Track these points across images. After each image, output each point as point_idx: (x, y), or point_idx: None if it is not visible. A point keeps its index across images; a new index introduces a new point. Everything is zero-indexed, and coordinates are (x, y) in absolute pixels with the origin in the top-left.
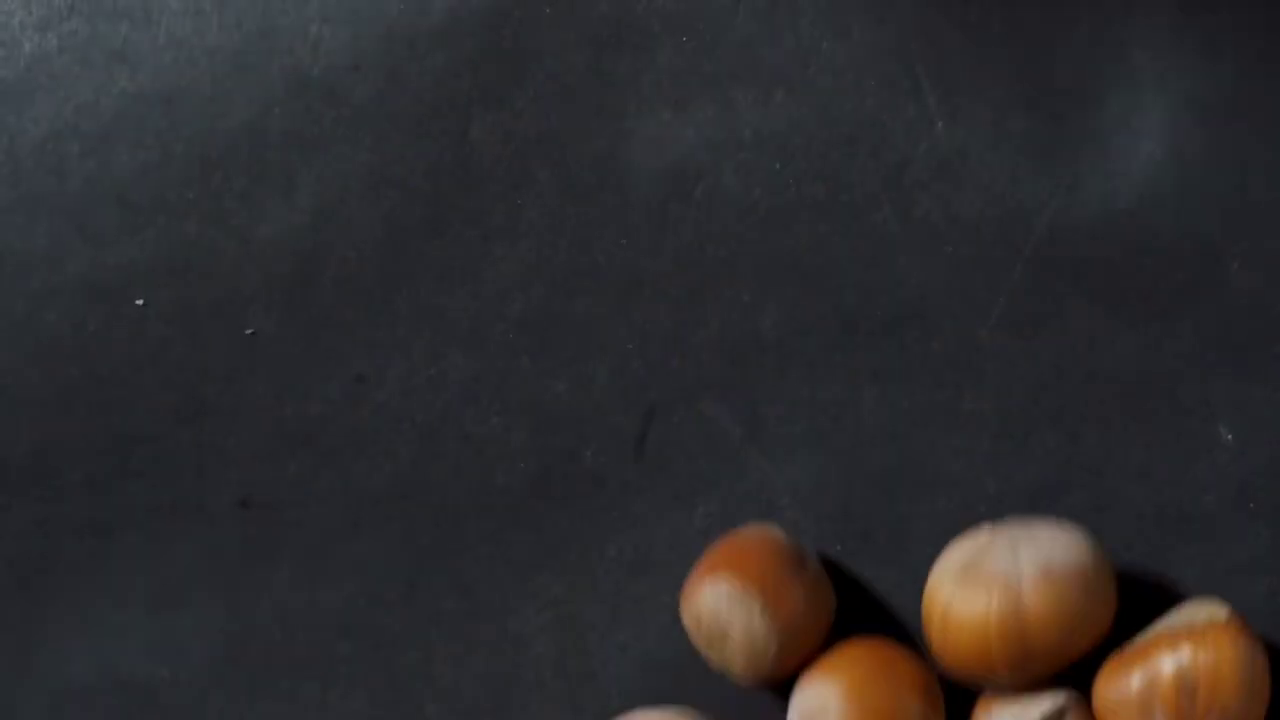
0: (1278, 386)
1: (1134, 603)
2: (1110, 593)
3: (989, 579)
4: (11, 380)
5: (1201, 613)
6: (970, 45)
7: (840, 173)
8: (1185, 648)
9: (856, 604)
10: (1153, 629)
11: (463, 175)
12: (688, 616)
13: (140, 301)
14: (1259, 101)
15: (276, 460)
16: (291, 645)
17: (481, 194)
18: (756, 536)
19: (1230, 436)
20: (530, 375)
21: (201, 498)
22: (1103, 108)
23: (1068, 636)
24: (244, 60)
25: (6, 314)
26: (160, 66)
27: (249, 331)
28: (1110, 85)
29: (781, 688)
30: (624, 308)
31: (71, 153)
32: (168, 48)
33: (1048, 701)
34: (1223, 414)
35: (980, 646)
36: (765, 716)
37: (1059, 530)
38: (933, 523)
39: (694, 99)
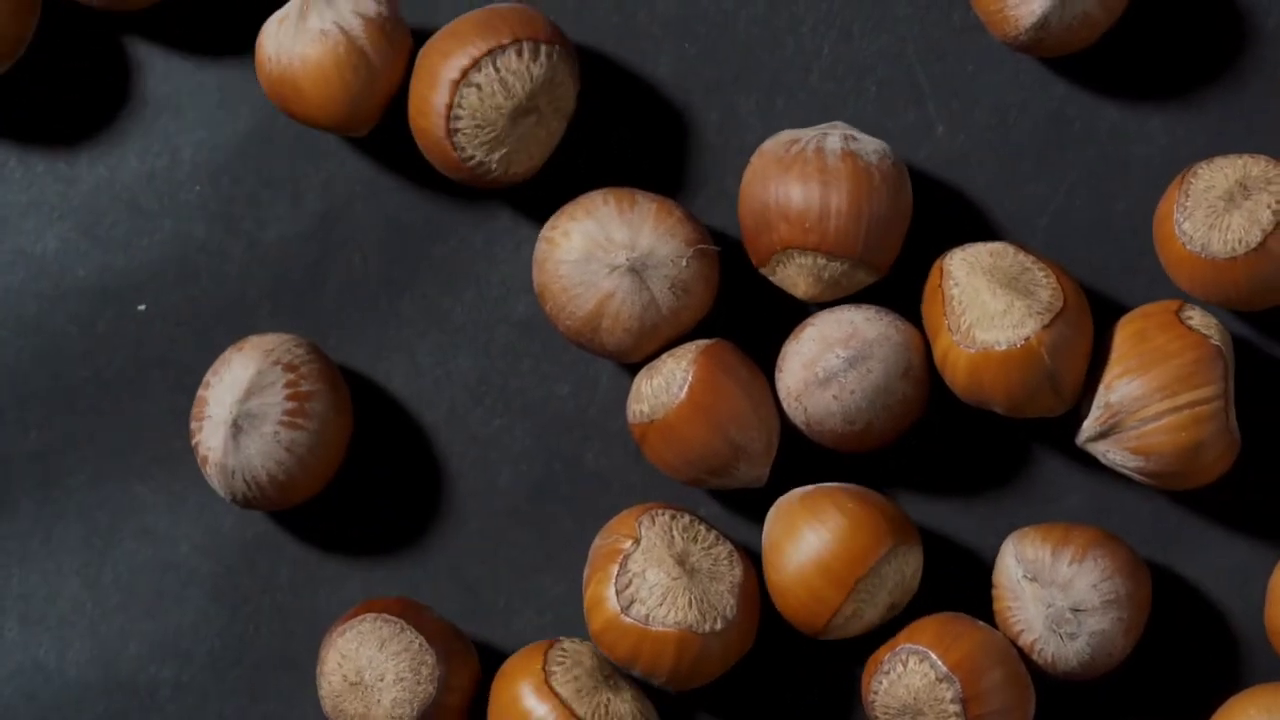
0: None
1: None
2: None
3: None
4: (20, 381)
5: None
6: (969, 50)
7: None
8: None
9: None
10: None
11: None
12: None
13: (143, 306)
14: (1257, 104)
15: None
16: (293, 645)
17: (485, 197)
18: None
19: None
20: (533, 378)
21: (204, 498)
22: (1101, 110)
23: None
24: (251, 67)
25: (16, 316)
26: (168, 71)
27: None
28: (1108, 87)
29: None
30: None
31: (81, 158)
32: (175, 53)
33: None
34: None
35: None
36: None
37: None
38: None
39: (696, 104)
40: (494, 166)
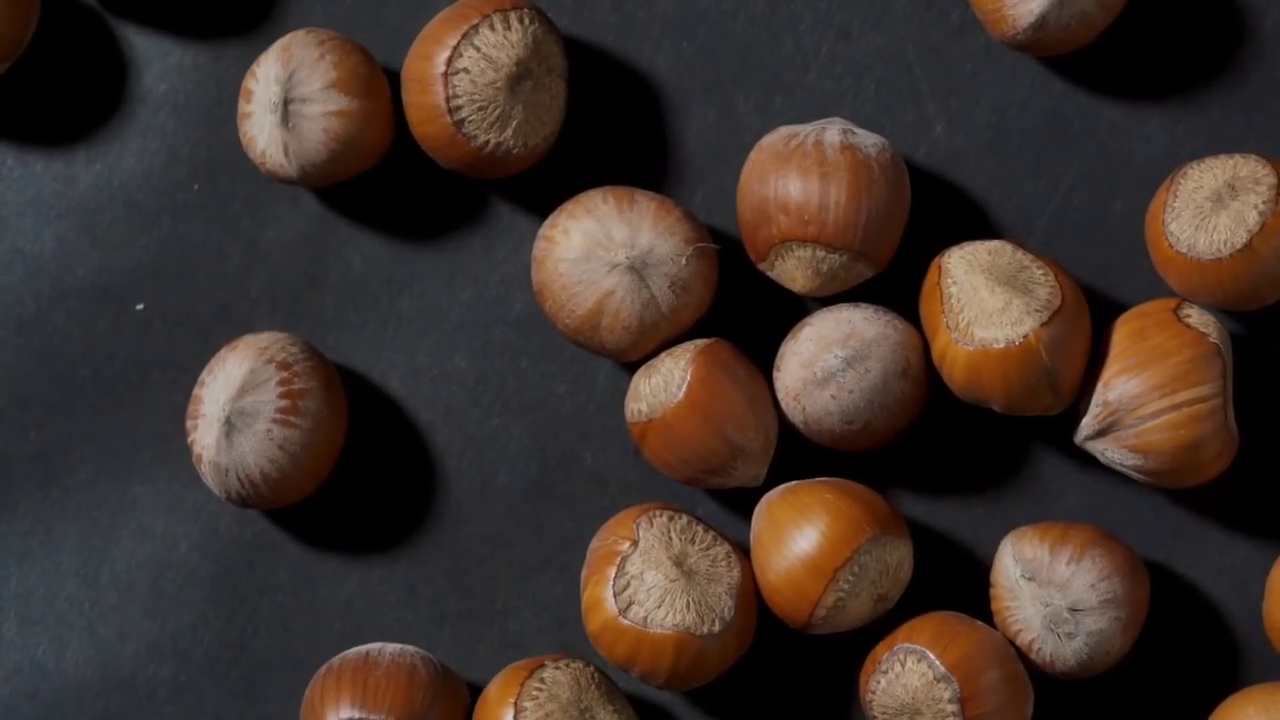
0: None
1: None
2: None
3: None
4: (19, 381)
5: None
6: (968, 48)
7: None
8: None
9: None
10: None
11: (464, 178)
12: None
13: (142, 305)
14: (1256, 103)
15: None
16: (291, 645)
17: (484, 196)
18: None
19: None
20: (531, 377)
21: (202, 498)
22: (1100, 109)
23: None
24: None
25: (15, 315)
26: (166, 70)
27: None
28: (1107, 86)
29: None
30: None
31: (79, 157)
32: (173, 52)
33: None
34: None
35: None
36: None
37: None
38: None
39: (695, 103)
40: (512, 143)
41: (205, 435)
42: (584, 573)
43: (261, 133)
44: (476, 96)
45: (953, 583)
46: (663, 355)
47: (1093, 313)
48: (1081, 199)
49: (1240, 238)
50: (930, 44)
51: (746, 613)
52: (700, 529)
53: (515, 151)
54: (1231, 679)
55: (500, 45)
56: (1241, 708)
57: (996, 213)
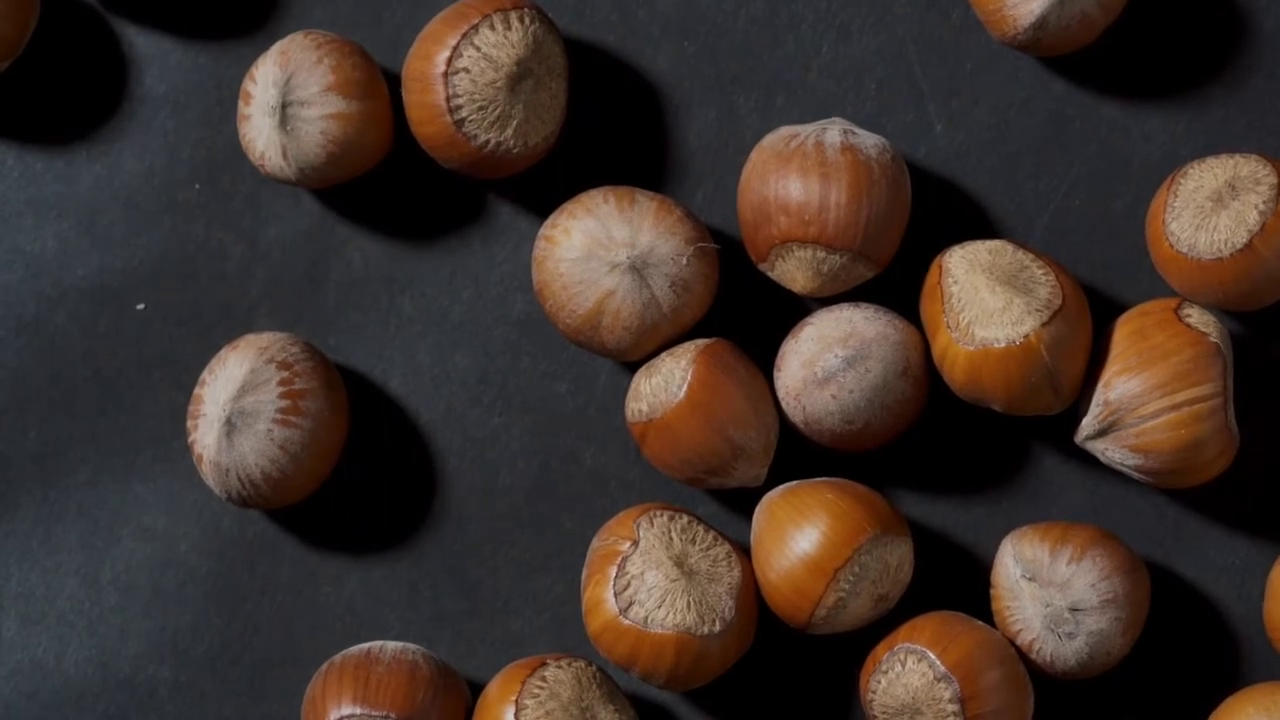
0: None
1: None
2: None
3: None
4: (19, 381)
5: None
6: (968, 48)
7: None
8: None
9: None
10: None
11: (465, 177)
12: None
13: (143, 305)
14: (1256, 103)
15: None
16: (291, 645)
17: (484, 196)
18: None
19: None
20: (532, 376)
21: (203, 497)
22: (1100, 108)
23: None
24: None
25: (15, 315)
26: (166, 70)
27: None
28: (1107, 85)
29: None
30: None
31: (80, 157)
32: (173, 52)
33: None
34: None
35: None
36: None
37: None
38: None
39: (695, 103)
40: (512, 143)
41: (206, 435)
42: (584, 573)
43: (260, 135)
44: (477, 96)
45: (953, 583)
46: (663, 355)
47: (1093, 312)
48: (1082, 199)
49: (1241, 238)
50: (931, 44)
51: (747, 613)
52: (701, 529)
53: (515, 151)
54: (1231, 679)
55: (500, 45)
56: (1241, 708)
57: (997, 212)
